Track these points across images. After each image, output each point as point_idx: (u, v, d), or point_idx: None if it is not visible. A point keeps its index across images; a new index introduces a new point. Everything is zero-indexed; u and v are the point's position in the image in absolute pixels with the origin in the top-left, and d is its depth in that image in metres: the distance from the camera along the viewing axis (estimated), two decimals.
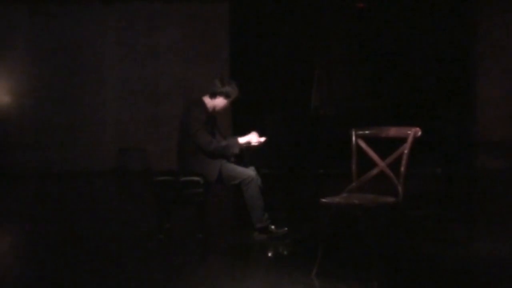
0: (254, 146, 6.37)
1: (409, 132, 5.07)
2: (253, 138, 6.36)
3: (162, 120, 11.51)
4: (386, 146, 5.24)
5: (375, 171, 5.20)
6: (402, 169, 5.01)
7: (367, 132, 5.27)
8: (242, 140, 6.32)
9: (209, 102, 6.38)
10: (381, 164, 5.15)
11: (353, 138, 5.26)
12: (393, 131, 5.18)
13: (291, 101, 10.89)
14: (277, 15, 11.45)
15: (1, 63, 11.57)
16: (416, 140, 5.06)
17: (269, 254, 6.05)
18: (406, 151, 5.03)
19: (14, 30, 11.55)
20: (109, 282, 5.18)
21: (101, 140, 11.65)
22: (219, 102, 6.38)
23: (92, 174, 11.24)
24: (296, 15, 11.41)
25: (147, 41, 11.65)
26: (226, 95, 6.36)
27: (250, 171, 6.29)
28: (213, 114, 6.42)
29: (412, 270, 5.26)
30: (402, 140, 5.08)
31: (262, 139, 6.37)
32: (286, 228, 6.34)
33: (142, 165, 11.51)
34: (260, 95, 11.12)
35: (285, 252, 6.06)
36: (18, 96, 11.59)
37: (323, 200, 5.03)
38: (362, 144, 5.24)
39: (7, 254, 6.34)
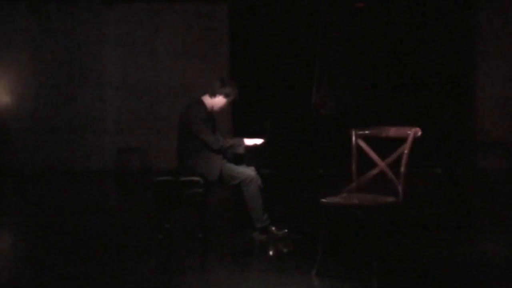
0: (255, 146, 6.40)
1: (409, 132, 5.07)
2: (259, 142, 6.39)
3: (162, 120, 11.51)
4: (386, 146, 5.24)
5: (375, 171, 5.20)
6: (402, 169, 5.01)
7: (367, 132, 5.27)
8: (248, 142, 6.34)
9: (209, 101, 6.40)
10: (381, 164, 5.15)
11: (353, 138, 5.26)
12: (393, 131, 5.19)
13: (291, 101, 10.88)
14: (277, 15, 11.45)
15: (1, 63, 11.57)
16: (416, 140, 5.06)
17: (269, 254, 6.05)
18: (406, 151, 5.04)
19: (14, 30, 11.55)
20: (109, 282, 5.18)
21: (101, 140, 11.65)
22: (219, 101, 6.39)
23: (92, 174, 11.24)
24: (296, 15, 11.41)
25: (147, 41, 11.65)
26: (225, 95, 6.37)
27: (250, 171, 6.30)
28: (212, 114, 6.44)
29: (412, 270, 5.26)
30: (402, 140, 5.08)
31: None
32: (286, 230, 6.34)
33: (142, 165, 11.51)
34: (260, 95, 11.11)
35: (285, 252, 6.06)
36: (18, 96, 11.59)
37: (323, 200, 5.03)
38: (362, 144, 5.24)
39: (7, 254, 6.34)
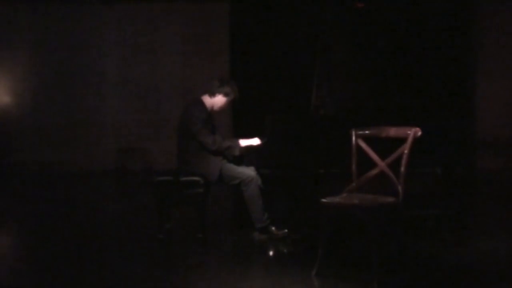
0: (254, 146, 6.39)
1: (409, 132, 5.07)
2: (254, 143, 6.39)
3: (162, 120, 11.51)
4: (386, 146, 5.24)
5: (375, 171, 5.21)
6: (402, 169, 5.01)
7: (367, 132, 5.27)
8: (243, 143, 6.35)
9: (208, 101, 6.40)
10: (381, 164, 5.15)
11: (353, 138, 5.26)
12: (393, 131, 5.19)
13: (291, 101, 10.88)
14: (277, 15, 11.45)
15: (1, 63, 11.57)
16: (416, 140, 5.06)
17: (269, 254, 6.05)
18: (406, 151, 5.04)
19: (14, 30, 11.54)
20: (109, 282, 5.18)
21: (101, 140, 11.65)
22: (218, 100, 6.40)
23: (92, 174, 11.24)
24: (296, 15, 11.41)
25: (147, 41, 11.65)
26: (225, 94, 6.38)
27: (250, 171, 6.30)
28: (212, 114, 6.44)
29: (412, 270, 5.26)
30: (402, 140, 5.08)
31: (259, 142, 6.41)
32: (286, 230, 6.34)
33: (142, 165, 11.51)
34: (260, 95, 11.11)
35: (285, 252, 6.06)
36: (18, 96, 11.59)
37: (323, 200, 5.03)
38: (362, 144, 5.24)
39: (7, 254, 6.34)
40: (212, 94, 6.39)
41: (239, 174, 6.27)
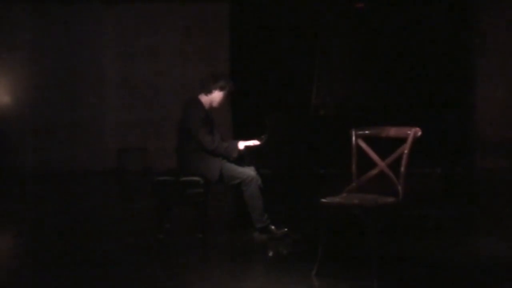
0: (253, 147, 6.40)
1: (409, 132, 5.07)
2: (253, 144, 6.39)
3: (162, 120, 11.51)
4: (386, 146, 5.24)
5: (375, 171, 5.21)
6: (402, 169, 5.02)
7: (367, 132, 5.27)
8: (241, 145, 6.35)
9: (206, 99, 6.41)
10: (381, 164, 5.15)
11: (353, 138, 5.26)
12: (393, 131, 5.19)
13: (291, 101, 10.87)
14: (277, 15, 11.44)
15: (1, 63, 11.57)
16: (416, 140, 5.06)
17: (269, 254, 6.05)
18: (406, 151, 5.04)
19: (14, 30, 11.54)
20: (109, 282, 5.18)
21: (101, 140, 11.65)
22: (216, 96, 6.40)
23: (92, 174, 11.24)
24: (296, 15, 11.40)
25: (147, 41, 11.65)
26: (220, 88, 6.39)
27: (250, 171, 6.30)
28: (211, 112, 6.44)
29: (412, 270, 5.26)
30: (402, 140, 5.08)
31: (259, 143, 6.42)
32: (286, 229, 6.35)
33: (142, 165, 11.51)
34: (260, 95, 11.11)
35: (285, 252, 6.06)
36: (18, 96, 11.58)
37: (323, 200, 5.04)
38: (362, 144, 5.24)
39: (7, 254, 6.34)
40: (208, 91, 6.40)
41: (239, 174, 6.28)
